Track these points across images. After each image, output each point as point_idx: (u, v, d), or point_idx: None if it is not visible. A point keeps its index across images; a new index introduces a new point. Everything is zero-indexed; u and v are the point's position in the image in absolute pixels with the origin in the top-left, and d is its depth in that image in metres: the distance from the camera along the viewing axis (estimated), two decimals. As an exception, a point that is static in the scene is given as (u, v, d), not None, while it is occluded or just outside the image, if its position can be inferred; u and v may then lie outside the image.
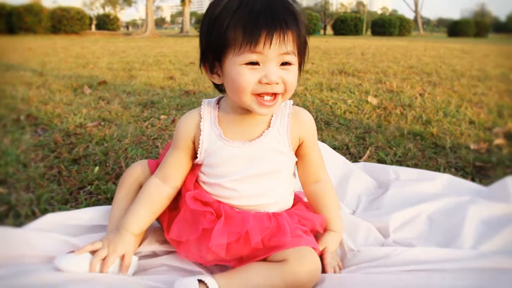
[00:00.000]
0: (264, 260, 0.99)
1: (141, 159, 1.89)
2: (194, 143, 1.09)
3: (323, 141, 2.13)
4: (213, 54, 0.99)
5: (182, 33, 28.87)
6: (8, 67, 5.45)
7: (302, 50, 1.01)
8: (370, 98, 3.42)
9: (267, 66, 0.94)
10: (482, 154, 2.09)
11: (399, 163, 1.94)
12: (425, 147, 2.20)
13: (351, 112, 2.97)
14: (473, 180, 1.73)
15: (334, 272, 1.06)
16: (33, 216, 1.37)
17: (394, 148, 2.14)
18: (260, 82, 0.94)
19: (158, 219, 1.16)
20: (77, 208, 1.43)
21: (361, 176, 1.62)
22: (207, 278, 0.91)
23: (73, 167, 1.82)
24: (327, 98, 3.52)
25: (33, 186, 1.60)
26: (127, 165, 1.75)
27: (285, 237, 0.99)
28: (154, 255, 1.15)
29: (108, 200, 1.51)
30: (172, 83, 4.39)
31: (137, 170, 1.20)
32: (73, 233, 1.17)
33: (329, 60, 7.30)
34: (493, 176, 1.79)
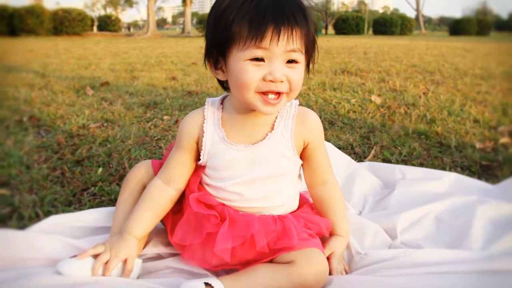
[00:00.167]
0: (271, 261, 0.98)
1: (144, 159, 1.87)
2: (197, 144, 1.08)
3: (327, 141, 2.11)
4: (217, 49, 0.96)
5: (183, 33, 28.87)
6: (10, 69, 5.46)
7: (310, 48, 0.98)
8: (373, 97, 3.40)
9: (272, 62, 0.91)
10: (488, 153, 2.07)
11: (405, 162, 1.93)
12: (430, 146, 2.18)
13: (355, 112, 2.95)
14: (479, 179, 1.71)
15: None
16: (36, 218, 1.36)
17: (399, 148, 2.13)
18: (264, 79, 0.91)
19: (162, 221, 1.14)
20: (81, 209, 1.42)
21: (367, 176, 1.61)
22: (214, 281, 0.90)
23: (77, 168, 1.81)
24: (331, 97, 3.50)
25: (36, 188, 1.59)
26: (131, 166, 1.74)
27: (291, 240, 0.97)
28: (159, 257, 1.13)
29: (112, 202, 1.50)
30: (175, 84, 4.38)
31: (140, 170, 1.17)
32: (77, 235, 1.16)
33: (332, 59, 7.27)
34: (499, 175, 1.78)
